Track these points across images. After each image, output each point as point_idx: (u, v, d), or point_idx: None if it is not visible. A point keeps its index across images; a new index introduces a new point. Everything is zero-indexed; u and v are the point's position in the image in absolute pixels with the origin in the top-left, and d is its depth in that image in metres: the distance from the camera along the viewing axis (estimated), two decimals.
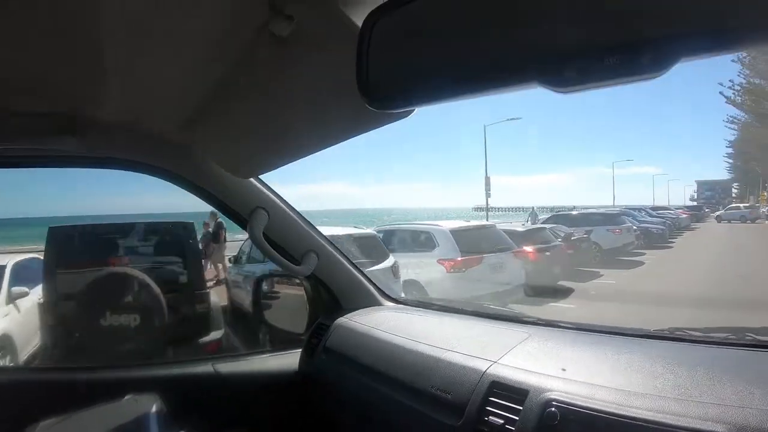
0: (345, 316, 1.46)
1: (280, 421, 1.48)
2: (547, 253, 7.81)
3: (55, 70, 0.93)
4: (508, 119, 19.54)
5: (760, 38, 0.36)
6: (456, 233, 6.67)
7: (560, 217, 13.47)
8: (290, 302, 1.65)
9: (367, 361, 1.25)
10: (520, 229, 8.92)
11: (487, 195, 18.12)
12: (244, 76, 0.87)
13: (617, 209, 15.69)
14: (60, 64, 0.90)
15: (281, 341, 1.67)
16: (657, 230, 14.04)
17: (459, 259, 6.32)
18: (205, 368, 1.50)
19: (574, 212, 15.53)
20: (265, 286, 1.71)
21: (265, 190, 1.39)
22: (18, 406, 1.26)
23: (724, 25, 0.36)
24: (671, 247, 13.81)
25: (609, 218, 12.30)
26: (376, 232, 7.22)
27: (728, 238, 15.90)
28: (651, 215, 17.17)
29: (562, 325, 1.20)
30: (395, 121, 0.71)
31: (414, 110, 0.59)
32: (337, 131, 0.89)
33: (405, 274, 6.16)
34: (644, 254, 11.66)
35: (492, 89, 0.47)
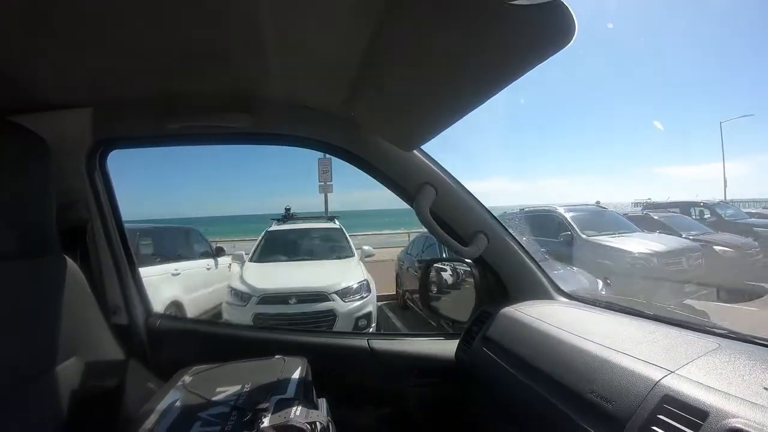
0: (512, 305, 1.37)
1: (427, 405, 1.44)
2: None
3: (227, 52, 0.96)
4: None
5: None
6: None
7: None
8: (458, 289, 1.60)
9: (525, 354, 1.15)
10: None
11: None
12: (392, 39, 0.81)
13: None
14: (228, 45, 0.93)
15: (443, 328, 1.60)
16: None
17: None
18: (358, 341, 1.51)
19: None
20: (433, 272, 1.61)
21: (431, 165, 1.32)
22: (179, 350, 1.42)
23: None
24: None
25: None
26: None
27: None
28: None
29: (762, 341, 0.97)
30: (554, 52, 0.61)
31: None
32: (497, 77, 0.75)
33: None
34: None
35: None
